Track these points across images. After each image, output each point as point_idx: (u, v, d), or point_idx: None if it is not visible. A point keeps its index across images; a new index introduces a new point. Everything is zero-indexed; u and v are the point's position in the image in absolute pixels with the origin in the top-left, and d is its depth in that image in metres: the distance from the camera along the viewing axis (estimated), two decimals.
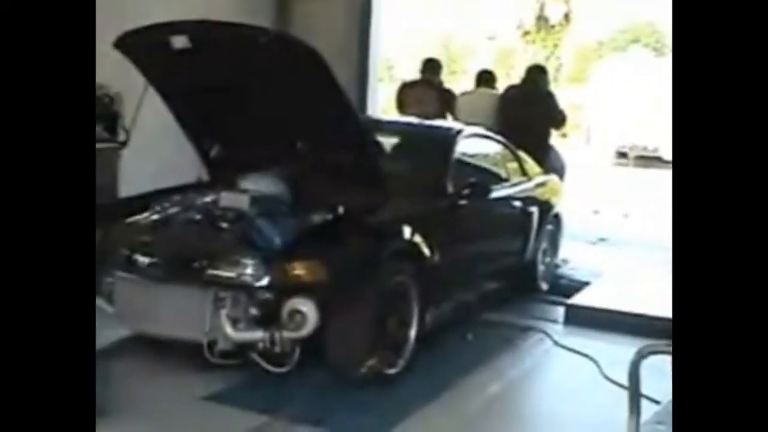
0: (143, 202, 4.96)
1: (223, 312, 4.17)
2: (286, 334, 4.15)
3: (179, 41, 4.55)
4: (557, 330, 5.84)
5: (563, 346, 5.43)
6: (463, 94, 8.37)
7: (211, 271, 4.22)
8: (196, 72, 4.81)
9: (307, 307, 4.12)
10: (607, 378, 4.77)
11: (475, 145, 6.15)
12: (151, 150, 6.56)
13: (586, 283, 6.86)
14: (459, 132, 5.93)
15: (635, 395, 2.86)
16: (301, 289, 4.16)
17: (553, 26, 25.20)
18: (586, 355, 5.17)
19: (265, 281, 4.18)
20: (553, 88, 8.41)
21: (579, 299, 6.31)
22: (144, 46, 4.76)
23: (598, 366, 4.96)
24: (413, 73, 8.67)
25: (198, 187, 5.28)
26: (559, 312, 6.18)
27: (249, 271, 4.19)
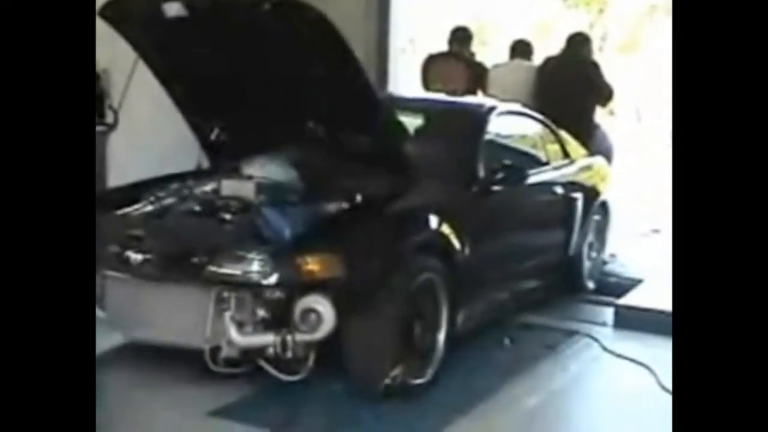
0: (135, 192, 5.00)
1: (227, 314, 4.20)
2: (299, 337, 4.18)
3: (173, 8, 4.57)
4: (606, 334, 5.84)
5: (613, 353, 5.43)
6: (496, 66, 8.37)
7: (212, 268, 4.24)
8: (192, 44, 4.85)
9: (322, 305, 4.15)
10: (664, 388, 4.77)
11: (510, 124, 6.15)
12: (144, 133, 6.61)
13: (639, 281, 6.84)
14: (491, 109, 5.94)
15: None
16: (314, 286, 4.19)
17: None
18: (639, 363, 5.17)
19: (273, 278, 4.20)
20: (598, 58, 8.36)
21: (630, 299, 6.31)
22: (133, 14, 4.80)
23: (654, 374, 4.96)
24: (440, 45, 8.66)
25: (197, 174, 5.32)
26: (608, 314, 6.19)
27: (255, 267, 4.21)
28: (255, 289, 4.21)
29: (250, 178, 4.91)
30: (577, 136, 6.98)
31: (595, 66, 7.96)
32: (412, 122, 5.94)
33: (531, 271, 6.06)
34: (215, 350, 4.27)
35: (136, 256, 4.40)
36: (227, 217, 4.60)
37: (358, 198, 4.63)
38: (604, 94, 7.92)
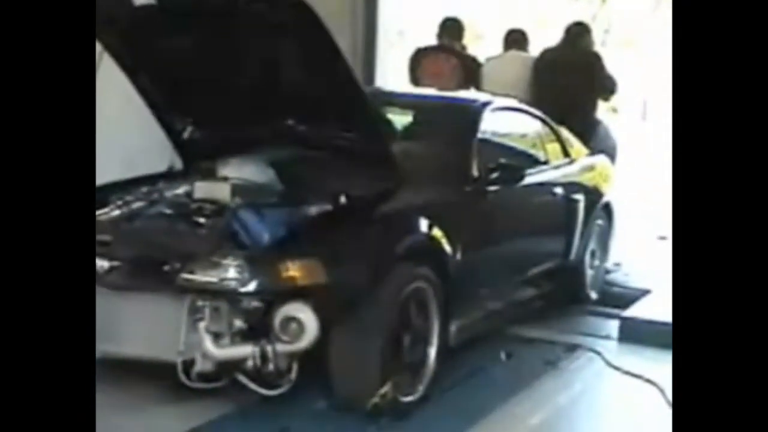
0: (102, 195, 4.99)
1: (202, 325, 4.20)
2: (280, 347, 4.19)
3: None
4: (610, 348, 5.88)
5: (618, 368, 5.46)
6: (490, 59, 8.40)
7: (185, 276, 4.24)
8: (163, 35, 4.87)
9: (304, 313, 4.16)
10: (672, 406, 4.79)
11: (506, 120, 6.20)
12: (111, 132, 6.57)
13: (645, 292, 6.88)
14: (485, 104, 5.97)
15: None
16: (295, 293, 4.20)
17: None
18: (646, 379, 5.19)
19: (251, 286, 4.21)
20: (601, 52, 8.39)
21: (636, 311, 6.35)
22: (97, 2, 4.80)
23: (662, 391, 4.97)
24: (431, 38, 8.69)
25: (169, 176, 5.33)
26: (612, 327, 6.24)
27: (232, 273, 4.21)
28: (231, 297, 4.22)
29: (225, 179, 4.92)
30: (577, 134, 7.02)
31: (597, 57, 7.99)
32: (400, 119, 5.98)
33: (529, 279, 6.10)
34: (189, 364, 4.26)
35: (102, 264, 4.39)
36: (201, 221, 4.61)
37: (342, 199, 4.64)
38: (606, 87, 7.96)
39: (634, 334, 6.00)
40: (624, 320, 6.20)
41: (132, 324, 4.35)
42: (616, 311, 6.48)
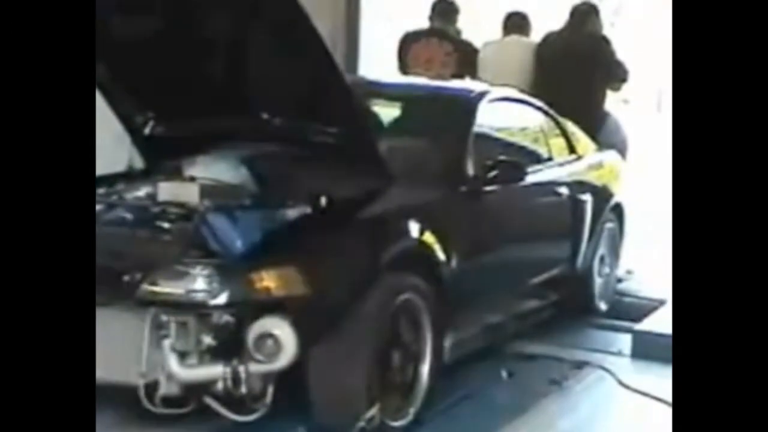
0: None
1: (166, 342, 4.18)
2: (254, 367, 4.17)
3: None
4: (622, 366, 5.90)
5: (630, 387, 5.48)
6: (487, 44, 8.44)
7: (147, 287, 4.22)
8: (122, 19, 4.86)
9: (281, 329, 4.14)
10: None
11: (505, 112, 6.23)
12: None
13: (660, 303, 6.90)
14: (482, 95, 6.00)
15: None
16: (271, 306, 4.19)
17: None
18: (661, 399, 5.18)
19: (222, 298, 4.20)
20: (611, 36, 8.42)
21: (650, 324, 6.37)
22: None
23: None
24: (421, 21, 8.69)
25: (129, 176, 5.32)
26: (624, 341, 6.26)
27: (200, 284, 4.20)
28: (200, 311, 4.20)
29: (192, 179, 4.90)
30: (584, 127, 7.05)
31: (606, 42, 8.04)
32: (387, 111, 5.99)
33: (531, 289, 6.13)
34: (152, 387, 4.24)
35: None
36: (166, 226, 4.58)
37: (323, 201, 4.63)
38: (616, 75, 8.01)
39: (648, 349, 5.99)
40: (637, 334, 6.22)
41: None
42: (628, 324, 6.50)
